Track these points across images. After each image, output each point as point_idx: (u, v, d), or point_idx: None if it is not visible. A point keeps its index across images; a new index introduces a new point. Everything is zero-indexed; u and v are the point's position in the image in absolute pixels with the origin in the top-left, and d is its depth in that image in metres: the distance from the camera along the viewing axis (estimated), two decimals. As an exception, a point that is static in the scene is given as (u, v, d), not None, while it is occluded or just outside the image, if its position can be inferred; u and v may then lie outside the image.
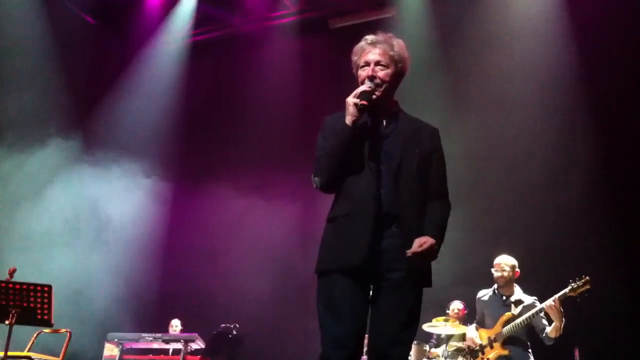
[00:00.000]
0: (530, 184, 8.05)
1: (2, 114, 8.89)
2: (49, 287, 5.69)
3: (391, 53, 3.42)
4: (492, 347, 5.94)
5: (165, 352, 8.18)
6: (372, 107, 3.36)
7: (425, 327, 7.28)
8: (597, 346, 6.81)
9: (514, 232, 7.83)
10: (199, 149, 10.21)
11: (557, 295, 5.66)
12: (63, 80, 9.47)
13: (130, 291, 9.29)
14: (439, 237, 3.33)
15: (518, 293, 6.06)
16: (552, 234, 7.81)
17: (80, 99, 9.82)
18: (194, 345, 7.97)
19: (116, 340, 8.17)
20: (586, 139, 7.93)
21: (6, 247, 8.55)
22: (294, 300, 8.94)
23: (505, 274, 6.03)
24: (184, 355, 7.86)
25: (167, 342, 8.11)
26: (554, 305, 5.64)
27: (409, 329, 3.30)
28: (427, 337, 7.55)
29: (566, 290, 5.65)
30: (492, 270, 6.14)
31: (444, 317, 7.42)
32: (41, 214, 9.03)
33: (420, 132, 3.48)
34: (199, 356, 7.95)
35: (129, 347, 8.14)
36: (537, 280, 6.31)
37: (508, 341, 5.89)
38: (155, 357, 8.09)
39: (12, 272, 5.93)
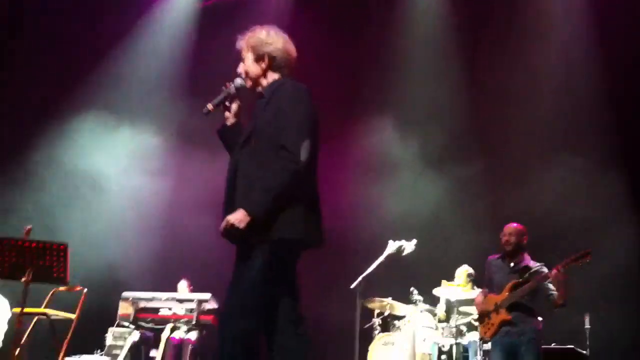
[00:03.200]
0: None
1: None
2: (65, 245, 5.75)
3: (247, 43, 3.69)
4: (497, 313, 5.98)
5: (178, 311, 8.27)
6: (231, 102, 3.72)
7: (436, 291, 7.35)
8: (607, 312, 6.85)
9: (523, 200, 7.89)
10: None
11: (559, 264, 5.69)
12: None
13: (144, 251, 9.38)
14: (255, 207, 3.34)
15: (526, 259, 6.09)
16: (562, 200, 7.86)
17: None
18: (208, 306, 8.05)
19: (131, 299, 8.27)
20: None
21: (24, 207, 8.68)
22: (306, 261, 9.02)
23: (513, 239, 6.06)
24: (197, 314, 7.96)
25: (181, 301, 8.20)
26: (557, 273, 5.67)
27: (231, 290, 3.44)
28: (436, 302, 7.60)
29: (567, 259, 5.68)
30: (501, 235, 6.16)
31: (455, 283, 7.49)
32: (56, 174, 9.13)
33: (260, 103, 3.62)
34: (211, 315, 8.05)
35: (143, 306, 8.25)
36: (545, 248, 6.31)
37: (513, 307, 5.93)
38: (168, 316, 8.19)
39: (28, 231, 6.00)
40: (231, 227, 3.35)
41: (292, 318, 3.57)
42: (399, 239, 7.09)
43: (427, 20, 9.51)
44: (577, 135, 8.44)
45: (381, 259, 7.11)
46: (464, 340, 7.09)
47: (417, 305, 7.45)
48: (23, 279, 5.44)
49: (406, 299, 7.58)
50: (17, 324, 6.60)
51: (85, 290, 6.69)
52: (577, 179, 8.08)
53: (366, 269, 7.07)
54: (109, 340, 8.25)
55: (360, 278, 7.03)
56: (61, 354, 6.46)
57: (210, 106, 3.68)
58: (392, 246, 7.15)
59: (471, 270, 7.56)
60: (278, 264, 3.45)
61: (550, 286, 5.85)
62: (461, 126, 9.06)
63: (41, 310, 6.69)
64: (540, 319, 6.06)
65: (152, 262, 9.45)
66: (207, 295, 8.03)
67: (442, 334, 7.17)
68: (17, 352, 5.63)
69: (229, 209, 3.45)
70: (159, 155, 9.60)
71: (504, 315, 5.92)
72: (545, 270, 5.86)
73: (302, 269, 8.90)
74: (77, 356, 7.96)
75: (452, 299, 7.52)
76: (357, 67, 9.54)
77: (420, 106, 9.25)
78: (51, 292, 6.88)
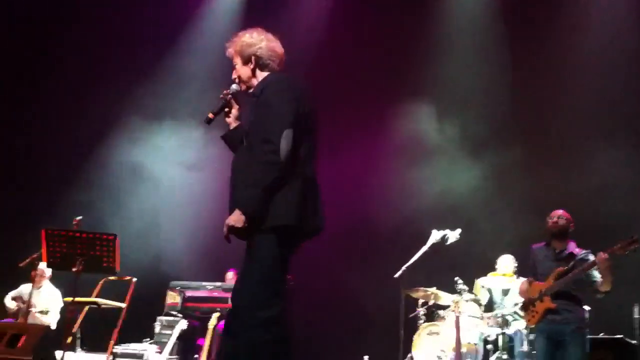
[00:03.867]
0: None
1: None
2: (114, 235, 5.88)
3: (234, 49, 3.86)
4: (542, 301, 5.91)
5: (224, 300, 8.39)
6: (229, 107, 3.90)
7: (480, 281, 7.30)
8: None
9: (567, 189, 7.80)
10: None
11: (606, 250, 5.60)
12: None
13: (192, 242, 9.52)
14: (242, 206, 3.46)
15: (571, 247, 5.99)
16: (604, 189, 7.74)
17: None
18: (253, 295, 8.16)
19: (178, 288, 8.42)
20: None
21: (73, 200, 8.88)
22: (348, 250, 9.09)
23: (561, 223, 5.96)
24: (242, 304, 8.06)
25: (226, 291, 8.32)
26: (603, 260, 5.59)
27: (241, 281, 3.57)
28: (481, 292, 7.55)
29: (615, 247, 5.58)
30: (547, 220, 6.06)
31: (500, 272, 7.43)
32: (109, 164, 9.32)
33: (253, 102, 3.73)
34: (257, 305, 8.14)
35: (190, 295, 8.40)
36: (586, 236, 6.20)
37: (558, 295, 5.84)
38: (215, 305, 8.32)
39: (77, 222, 6.16)
40: (232, 229, 3.48)
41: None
42: (441, 227, 7.07)
43: (468, 4, 9.41)
44: (621, 124, 8.28)
45: (425, 248, 7.09)
46: (509, 330, 7.04)
47: (462, 294, 7.41)
48: (74, 269, 5.57)
49: (451, 289, 7.54)
50: (68, 312, 6.80)
51: (135, 279, 6.82)
52: (620, 168, 7.93)
53: (409, 259, 7.08)
54: (158, 328, 8.41)
55: (404, 268, 7.03)
56: (111, 342, 6.61)
57: (211, 114, 3.86)
58: (436, 235, 7.13)
59: (513, 260, 7.49)
60: (281, 252, 3.52)
61: (596, 274, 5.76)
62: (501, 111, 8.96)
63: (92, 299, 6.85)
64: (586, 307, 5.98)
65: (199, 252, 9.59)
66: (252, 285, 8.14)
67: (488, 323, 7.12)
68: (68, 340, 5.78)
69: (232, 207, 3.57)
70: (203, 148, 9.71)
71: (548, 303, 5.85)
72: (591, 257, 5.77)
73: (346, 261, 8.98)
74: (127, 344, 8.13)
75: (497, 289, 7.47)
76: (398, 52, 9.49)
77: (459, 91, 9.17)
78: (101, 282, 7.04)
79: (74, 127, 9.38)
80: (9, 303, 7.84)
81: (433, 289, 7.54)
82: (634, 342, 6.85)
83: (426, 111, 9.27)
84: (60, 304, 7.99)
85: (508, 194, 8.62)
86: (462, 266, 7.79)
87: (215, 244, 9.64)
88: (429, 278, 7.63)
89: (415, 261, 7.07)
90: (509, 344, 6.81)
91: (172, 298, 8.55)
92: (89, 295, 6.92)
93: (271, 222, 3.46)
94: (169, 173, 9.62)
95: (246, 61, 3.82)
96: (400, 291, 7.29)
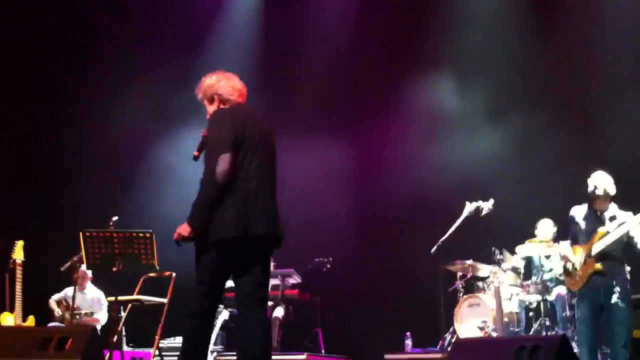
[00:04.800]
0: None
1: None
2: (151, 233, 5.92)
3: (201, 94, 4.47)
4: (585, 264, 5.85)
5: (264, 288, 8.48)
6: None
7: (518, 249, 7.26)
8: None
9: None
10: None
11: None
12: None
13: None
14: (189, 219, 4.15)
15: (613, 209, 5.91)
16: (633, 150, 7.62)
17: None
18: (291, 280, 8.23)
19: (217, 279, 8.52)
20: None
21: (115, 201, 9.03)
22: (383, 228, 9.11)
23: (599, 189, 5.88)
24: (282, 290, 8.14)
25: (265, 278, 8.41)
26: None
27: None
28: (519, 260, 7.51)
29: None
30: (588, 181, 5.97)
31: (537, 239, 7.38)
32: (143, 164, 9.44)
33: None
34: (296, 290, 8.22)
35: (230, 285, 8.48)
36: (633, 197, 6.11)
37: (602, 256, 5.78)
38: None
39: (114, 222, 6.26)
40: (179, 236, 4.17)
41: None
42: (473, 199, 7.04)
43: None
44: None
45: (459, 221, 7.08)
46: (550, 296, 7.01)
47: (499, 264, 7.39)
48: (114, 269, 5.66)
49: (488, 260, 7.52)
50: (112, 312, 6.93)
51: (174, 274, 6.90)
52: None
53: (444, 233, 7.07)
54: (200, 321, 8.52)
55: (439, 242, 7.03)
56: (156, 338, 6.71)
57: (196, 152, 4.37)
58: (469, 207, 7.11)
59: (553, 224, 7.43)
60: (220, 261, 4.19)
61: (638, 234, 5.70)
62: (522, 78, 8.84)
63: (134, 297, 6.97)
64: (628, 268, 5.91)
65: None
66: (289, 271, 8.21)
67: (528, 291, 7.10)
68: (114, 339, 5.89)
69: None
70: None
71: (592, 266, 5.79)
72: (635, 219, 5.70)
73: (381, 239, 8.99)
74: (172, 338, 8.27)
75: (536, 255, 7.43)
76: (416, 22, 9.41)
77: (479, 60, 9.06)
78: (142, 279, 7.14)
79: (105, 128, 9.48)
80: (54, 307, 7.99)
81: (470, 261, 7.53)
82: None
83: (446, 83, 9.20)
84: (104, 304, 8.13)
85: (535, 160, 8.50)
86: (498, 236, 7.76)
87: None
88: (466, 251, 7.62)
89: (451, 235, 7.07)
90: (551, 310, 6.78)
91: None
92: (131, 294, 7.04)
93: (211, 238, 4.11)
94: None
95: (210, 100, 4.44)
96: (437, 266, 7.31)
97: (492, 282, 7.36)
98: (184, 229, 4.12)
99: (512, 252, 7.47)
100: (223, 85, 4.41)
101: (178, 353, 7.85)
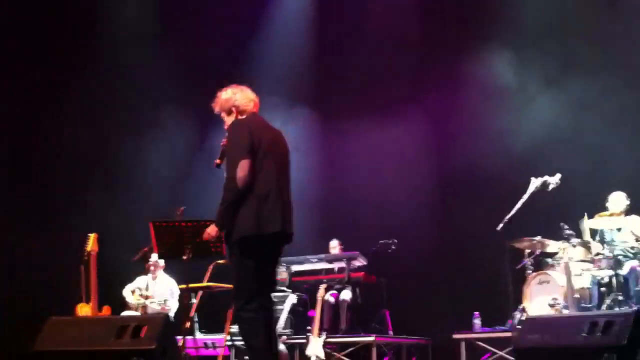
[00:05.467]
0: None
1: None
2: (217, 221, 6.04)
3: (218, 107, 4.94)
4: None
5: (330, 271, 8.55)
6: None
7: (589, 223, 7.10)
8: None
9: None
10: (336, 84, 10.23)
11: None
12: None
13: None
14: (216, 221, 4.72)
15: None
16: None
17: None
18: (356, 263, 8.26)
19: (284, 264, 8.64)
20: None
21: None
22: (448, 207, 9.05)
23: None
24: (348, 272, 8.19)
25: (330, 262, 8.47)
26: None
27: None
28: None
29: None
30: None
31: (608, 212, 7.21)
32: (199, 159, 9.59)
33: None
34: (362, 272, 8.25)
35: (297, 269, 8.59)
36: None
37: None
38: (321, 277, 8.48)
39: (181, 213, 6.39)
40: (207, 235, 4.79)
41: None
42: (538, 174, 6.91)
43: None
44: None
45: (525, 197, 6.97)
46: (623, 271, 6.84)
47: (569, 240, 7.24)
48: (184, 257, 5.79)
49: (557, 235, 7.38)
50: (184, 299, 7.11)
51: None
52: None
53: (510, 209, 6.97)
54: (271, 305, 8.66)
55: (505, 219, 6.94)
56: (228, 323, 6.87)
57: (217, 160, 4.85)
58: (535, 183, 6.99)
59: (625, 197, 7.23)
60: (249, 257, 4.59)
61: None
62: (577, 44, 8.58)
63: (204, 284, 7.13)
64: None
65: (301, 227, 9.75)
66: (354, 254, 8.24)
67: (600, 266, 6.94)
68: (187, 325, 6.04)
69: None
70: (298, 127, 9.90)
71: None
72: None
73: (447, 218, 8.92)
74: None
75: (607, 229, 7.25)
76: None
77: (535, 25, 8.85)
78: (211, 266, 7.29)
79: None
80: (129, 297, 8.23)
81: (538, 238, 7.40)
82: None
83: (503, 55, 9.03)
84: (176, 291, 8.34)
85: (598, 128, 8.24)
86: (567, 211, 7.59)
87: (315, 217, 9.87)
88: (534, 227, 7.49)
89: (517, 211, 6.96)
90: (624, 285, 6.61)
91: (280, 274, 8.77)
92: (202, 281, 7.20)
93: (234, 237, 4.59)
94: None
95: (229, 112, 4.88)
96: (504, 243, 7.21)
97: (561, 258, 7.22)
98: (213, 230, 4.71)
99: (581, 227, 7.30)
100: (239, 97, 4.88)
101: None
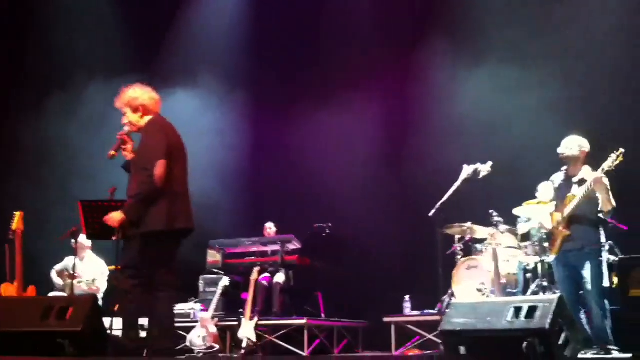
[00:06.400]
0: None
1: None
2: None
3: (123, 102, 5.17)
4: (559, 229, 5.94)
5: (264, 254, 8.53)
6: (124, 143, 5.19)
7: (516, 211, 7.27)
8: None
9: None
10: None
11: (600, 169, 5.67)
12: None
13: (226, 199, 9.63)
14: (125, 211, 4.98)
15: (584, 173, 5.95)
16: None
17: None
18: (291, 246, 8.27)
19: (217, 246, 8.58)
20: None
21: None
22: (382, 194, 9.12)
23: (570, 152, 5.96)
24: (282, 255, 8.19)
25: (265, 244, 8.45)
26: (596, 179, 5.62)
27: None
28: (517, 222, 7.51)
29: (604, 165, 5.64)
30: (558, 150, 6.04)
31: (536, 200, 7.38)
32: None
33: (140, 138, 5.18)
34: (296, 255, 8.26)
35: (230, 252, 8.55)
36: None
37: (572, 221, 5.86)
38: (255, 259, 8.46)
39: (112, 192, 6.24)
40: (109, 220, 5.03)
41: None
42: (471, 162, 7.02)
43: None
44: None
45: (457, 184, 7.07)
46: (549, 257, 7.03)
47: (498, 227, 7.41)
48: (114, 238, 5.66)
49: (486, 222, 7.54)
50: (114, 280, 6.97)
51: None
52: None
53: (442, 196, 7.06)
54: (202, 287, 8.60)
55: (437, 205, 7.03)
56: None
57: (112, 152, 5.11)
58: (467, 170, 7.08)
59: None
60: (153, 249, 4.91)
61: (599, 195, 5.76)
62: (518, 32, 8.72)
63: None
64: (601, 229, 5.95)
65: (235, 210, 9.72)
66: (289, 237, 8.25)
67: (526, 252, 7.13)
68: (116, 308, 5.93)
69: None
70: (233, 111, 9.81)
71: (564, 230, 5.88)
72: (592, 175, 5.76)
73: (380, 205, 8.97)
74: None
75: (534, 217, 7.44)
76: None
77: (476, 15, 8.95)
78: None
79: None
80: (55, 278, 8.04)
81: (468, 224, 7.55)
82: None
83: (442, 43, 9.12)
84: (105, 272, 8.18)
85: (532, 118, 8.42)
86: (498, 199, 7.74)
87: (251, 200, 9.83)
88: (465, 214, 7.63)
89: (449, 198, 7.06)
90: (549, 271, 6.81)
91: (213, 256, 8.71)
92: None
93: (143, 229, 4.90)
94: (194, 138, 9.71)
95: (135, 110, 5.14)
96: (436, 229, 7.32)
97: (490, 245, 7.39)
98: (118, 216, 4.96)
99: (511, 215, 7.47)
100: (147, 98, 5.18)
101: (175, 320, 7.95)
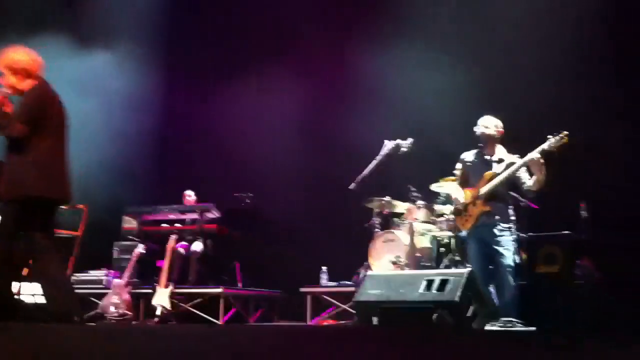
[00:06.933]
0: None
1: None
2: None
3: (3, 65, 5.06)
4: (475, 205, 6.11)
5: (182, 222, 8.43)
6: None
7: (434, 187, 7.42)
8: (604, 199, 6.91)
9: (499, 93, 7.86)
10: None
11: (537, 150, 5.81)
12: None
13: (145, 165, 9.45)
14: None
15: (500, 152, 6.18)
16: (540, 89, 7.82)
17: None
18: (210, 215, 8.18)
19: (133, 213, 8.41)
20: None
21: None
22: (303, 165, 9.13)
23: (487, 131, 6.14)
24: (200, 224, 8.10)
25: (183, 212, 8.33)
26: (535, 159, 5.78)
27: None
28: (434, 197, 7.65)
29: (544, 145, 5.78)
30: (475, 129, 6.21)
31: (452, 177, 7.53)
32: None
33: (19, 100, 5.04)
34: (215, 224, 8.19)
35: (147, 219, 8.39)
36: (521, 141, 6.29)
37: (490, 198, 6.06)
38: (172, 227, 8.34)
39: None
40: None
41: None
42: (393, 138, 7.10)
43: None
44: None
45: (378, 159, 7.14)
46: (462, 232, 7.21)
47: (415, 202, 7.55)
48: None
49: (404, 197, 7.66)
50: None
51: (86, 207, 6.76)
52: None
53: (363, 170, 7.13)
54: (116, 254, 8.43)
55: (358, 179, 7.09)
56: (68, 271, 6.60)
57: None
58: (388, 145, 7.17)
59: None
60: (25, 214, 4.88)
61: (525, 175, 5.98)
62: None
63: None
64: (511, 207, 6.17)
65: (156, 176, 9.55)
66: (208, 205, 8.15)
67: (440, 227, 7.29)
68: (25, 272, 5.74)
69: None
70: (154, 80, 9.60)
71: (481, 206, 6.06)
72: (520, 160, 5.95)
73: (303, 175, 8.95)
74: (85, 272, 8.15)
75: (450, 193, 7.59)
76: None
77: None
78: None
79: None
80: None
81: (387, 198, 7.65)
82: (582, 237, 7.04)
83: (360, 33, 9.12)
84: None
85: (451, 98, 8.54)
86: (417, 175, 7.85)
87: (170, 167, 9.67)
88: (385, 189, 7.71)
89: (370, 173, 7.12)
90: (462, 246, 6.99)
91: (129, 223, 8.55)
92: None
93: (18, 193, 4.86)
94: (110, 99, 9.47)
95: (15, 72, 5.05)
96: (355, 203, 7.40)
97: (406, 219, 7.52)
98: None
99: (429, 190, 7.59)
100: (29, 61, 5.09)
101: (88, 286, 7.78)
